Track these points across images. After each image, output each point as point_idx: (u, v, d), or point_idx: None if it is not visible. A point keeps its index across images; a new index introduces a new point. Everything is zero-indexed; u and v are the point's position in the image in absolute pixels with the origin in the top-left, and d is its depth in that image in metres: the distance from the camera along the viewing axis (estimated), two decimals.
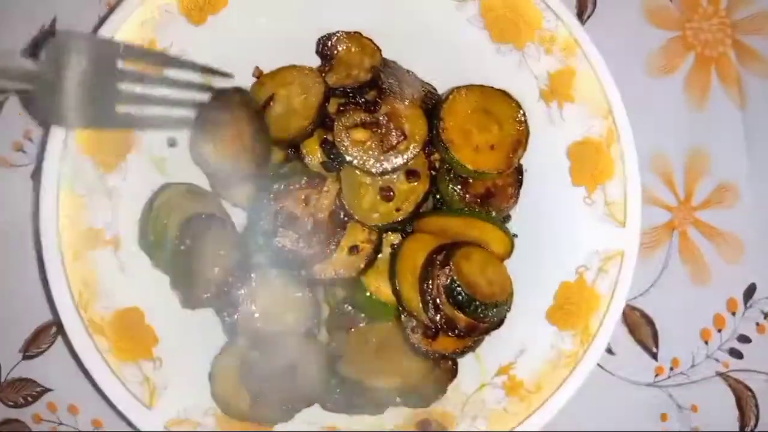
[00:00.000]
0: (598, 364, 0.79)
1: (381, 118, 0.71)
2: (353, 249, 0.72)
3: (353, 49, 0.74)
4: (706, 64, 0.87)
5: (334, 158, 0.72)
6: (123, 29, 0.67)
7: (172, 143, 0.73)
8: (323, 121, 0.72)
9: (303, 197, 0.71)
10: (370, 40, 0.74)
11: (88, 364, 0.65)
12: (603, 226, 0.69)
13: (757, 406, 0.80)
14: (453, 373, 0.71)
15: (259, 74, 0.76)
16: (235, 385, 0.68)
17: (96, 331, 0.65)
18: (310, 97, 0.71)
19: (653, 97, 0.85)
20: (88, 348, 0.65)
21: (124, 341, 0.66)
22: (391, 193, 0.72)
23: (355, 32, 0.74)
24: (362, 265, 0.71)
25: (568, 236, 0.71)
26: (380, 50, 0.74)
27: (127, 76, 0.64)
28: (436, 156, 0.74)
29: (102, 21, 0.68)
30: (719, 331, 0.81)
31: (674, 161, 0.84)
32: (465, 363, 0.71)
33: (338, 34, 0.74)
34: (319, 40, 0.74)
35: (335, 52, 0.74)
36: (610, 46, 0.75)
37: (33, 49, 0.80)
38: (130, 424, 0.65)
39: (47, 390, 0.78)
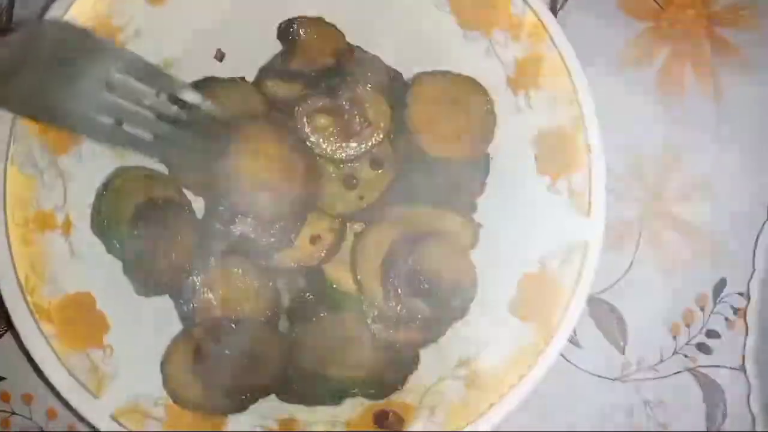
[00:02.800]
0: (565, 358, 0.78)
1: (344, 104, 0.70)
2: (315, 238, 0.70)
3: (316, 35, 0.72)
4: (681, 56, 0.85)
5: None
6: (77, 4, 0.65)
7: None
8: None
9: None
10: (333, 25, 0.72)
11: (33, 351, 0.62)
12: (567, 216, 0.67)
13: (725, 402, 0.79)
14: (414, 364, 0.70)
15: (221, 57, 0.74)
16: (189, 374, 0.66)
17: (42, 317, 0.63)
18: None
19: (626, 90, 0.83)
20: (33, 334, 0.62)
21: (72, 328, 0.64)
22: (355, 181, 0.71)
23: (317, 17, 0.72)
24: (324, 255, 0.70)
25: (532, 227, 0.69)
26: (344, 35, 0.72)
27: (116, 87, 0.56)
28: (402, 144, 0.72)
29: None
30: (688, 326, 0.80)
31: (646, 154, 0.83)
32: (426, 354, 0.69)
33: (300, 19, 0.72)
34: (280, 25, 0.72)
35: (297, 37, 0.72)
36: (583, 38, 0.73)
37: None
38: (75, 413, 0.63)
39: (0, 378, 0.77)
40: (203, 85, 0.70)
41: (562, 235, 0.67)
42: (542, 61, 0.69)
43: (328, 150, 0.69)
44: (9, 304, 0.63)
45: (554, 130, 0.69)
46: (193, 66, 0.72)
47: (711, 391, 0.79)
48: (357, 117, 0.69)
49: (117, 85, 0.56)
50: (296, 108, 0.69)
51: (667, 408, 0.79)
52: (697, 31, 0.86)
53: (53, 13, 0.65)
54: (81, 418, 0.64)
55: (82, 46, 0.55)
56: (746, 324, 0.78)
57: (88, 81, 0.55)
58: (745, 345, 0.78)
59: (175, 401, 0.65)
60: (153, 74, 0.59)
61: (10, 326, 0.73)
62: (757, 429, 0.75)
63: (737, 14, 0.86)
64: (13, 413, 0.76)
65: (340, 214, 0.70)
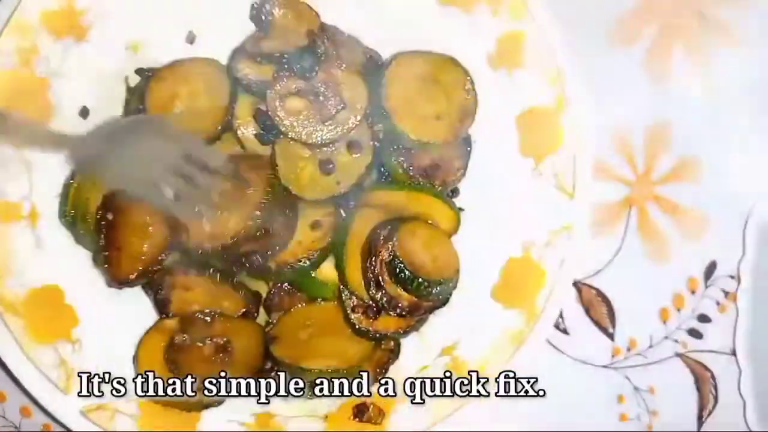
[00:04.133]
0: (553, 345, 0.76)
1: (318, 86, 0.67)
2: (315, 224, 0.68)
3: (289, 14, 0.69)
4: (670, 34, 0.83)
5: (268, 129, 0.68)
6: None
7: (84, 113, 0.68)
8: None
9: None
10: (307, 4, 0.69)
11: None
12: (551, 198, 0.65)
13: (716, 387, 0.77)
14: (395, 354, 0.68)
15: (192, 39, 0.72)
16: (162, 368, 0.64)
17: (8, 310, 0.61)
18: (216, 96, 0.67)
19: (614, 68, 0.81)
20: None
21: (40, 321, 0.62)
22: (331, 166, 0.68)
23: None
24: (330, 238, 0.67)
25: (516, 210, 0.67)
26: (318, 15, 0.69)
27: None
28: (380, 126, 0.70)
29: None
30: (678, 310, 0.78)
31: (634, 134, 0.80)
32: (407, 344, 0.68)
33: None
34: (252, 4, 0.69)
35: (270, 17, 0.69)
36: (569, 14, 0.71)
37: None
38: (43, 410, 0.61)
39: None
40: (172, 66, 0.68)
41: (546, 217, 0.65)
42: (524, 39, 0.67)
43: (303, 134, 0.67)
44: None
45: (537, 110, 0.67)
46: (162, 48, 0.70)
47: (701, 376, 0.77)
48: (332, 99, 0.67)
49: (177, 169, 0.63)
50: (269, 91, 0.66)
51: (658, 394, 0.77)
52: (686, 7, 0.84)
53: None
54: (51, 416, 0.62)
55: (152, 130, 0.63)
56: (737, 307, 0.76)
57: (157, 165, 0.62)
58: (735, 329, 0.76)
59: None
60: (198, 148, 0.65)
61: None
62: (748, 414, 0.74)
63: None
64: None
65: (316, 200, 0.68)
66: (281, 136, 0.67)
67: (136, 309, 0.67)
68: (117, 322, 0.66)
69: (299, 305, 0.68)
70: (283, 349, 0.66)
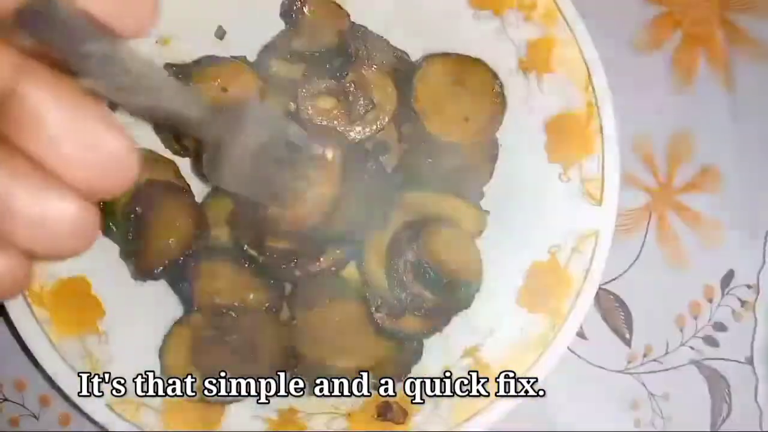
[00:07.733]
0: (569, 349, 0.77)
1: (348, 85, 0.67)
2: None
3: (320, 13, 0.69)
4: (694, 42, 0.83)
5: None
6: None
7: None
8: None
9: None
10: (338, 4, 0.70)
11: (26, 336, 0.60)
12: (578, 204, 0.66)
13: (729, 395, 0.78)
14: (418, 354, 0.68)
15: (221, 35, 0.72)
16: (187, 362, 0.64)
17: (35, 301, 0.61)
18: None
19: (637, 75, 0.81)
20: (25, 319, 0.60)
21: (66, 313, 0.62)
22: None
23: None
24: None
25: (542, 214, 0.67)
26: (348, 14, 0.69)
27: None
28: (407, 127, 0.70)
29: None
30: (695, 318, 0.79)
31: (656, 142, 0.81)
32: (430, 344, 0.68)
33: None
34: (283, 2, 0.70)
35: (301, 15, 0.69)
36: (594, 20, 0.71)
37: None
38: (69, 401, 0.61)
39: None
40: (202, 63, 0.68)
41: (573, 223, 0.66)
42: (555, 44, 0.67)
43: None
44: None
45: (566, 116, 0.67)
46: (192, 43, 0.70)
47: (716, 384, 0.78)
48: (362, 99, 0.67)
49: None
50: (300, 90, 0.67)
51: (672, 401, 0.77)
52: (710, 17, 0.84)
53: None
54: (75, 406, 0.62)
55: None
56: (755, 316, 0.77)
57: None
58: (753, 338, 0.77)
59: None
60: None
61: (0, 311, 0.71)
62: (764, 423, 0.75)
63: (751, 0, 0.84)
64: (5, 399, 0.74)
65: None
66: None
67: (163, 302, 0.67)
68: (143, 315, 0.66)
69: (323, 302, 0.69)
70: (308, 346, 0.66)
